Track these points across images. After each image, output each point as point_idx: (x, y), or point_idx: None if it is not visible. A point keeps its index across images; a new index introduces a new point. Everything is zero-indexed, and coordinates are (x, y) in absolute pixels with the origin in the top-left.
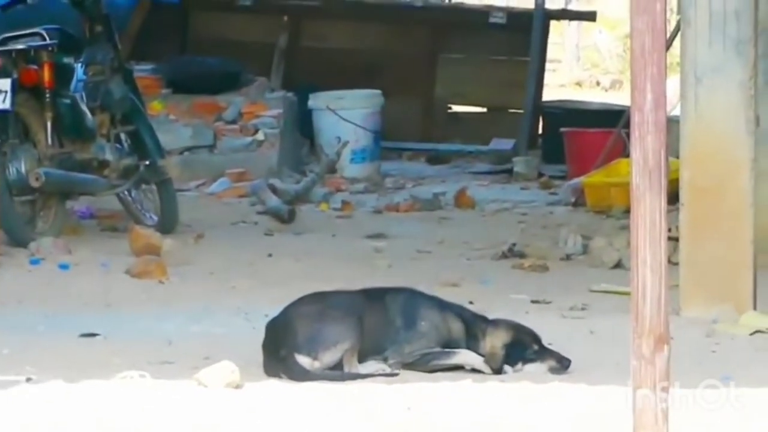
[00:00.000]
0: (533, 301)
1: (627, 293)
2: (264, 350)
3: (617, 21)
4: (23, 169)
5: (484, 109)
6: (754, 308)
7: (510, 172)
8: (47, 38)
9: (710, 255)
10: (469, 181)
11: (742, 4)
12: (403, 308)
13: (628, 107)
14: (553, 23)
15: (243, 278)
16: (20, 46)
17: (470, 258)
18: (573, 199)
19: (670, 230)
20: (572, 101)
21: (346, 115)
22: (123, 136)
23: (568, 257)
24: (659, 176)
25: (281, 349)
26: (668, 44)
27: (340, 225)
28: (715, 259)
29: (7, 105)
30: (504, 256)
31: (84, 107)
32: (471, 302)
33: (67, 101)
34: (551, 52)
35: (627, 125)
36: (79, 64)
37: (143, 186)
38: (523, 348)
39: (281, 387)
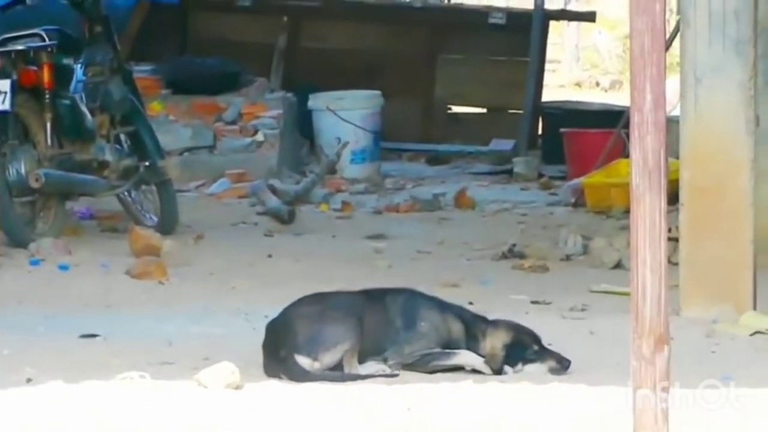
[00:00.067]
0: (533, 302)
1: (627, 293)
2: (264, 351)
3: (617, 21)
4: (23, 170)
5: (484, 110)
6: (754, 308)
7: (510, 172)
8: (47, 39)
9: (710, 255)
10: (469, 181)
11: (741, 4)
12: (403, 309)
13: (628, 108)
14: (552, 24)
15: (243, 279)
16: (20, 47)
17: (470, 258)
18: (573, 200)
19: (670, 230)
20: (572, 102)
21: (345, 116)
22: (123, 136)
23: (568, 258)
24: (659, 176)
25: (281, 350)
26: (668, 44)
27: (340, 226)
28: (715, 259)
29: (6, 106)
30: (504, 256)
31: (84, 108)
32: (471, 303)
33: (67, 102)
34: (551, 53)
35: (627, 126)
36: (79, 65)
37: (143, 187)
38: (523, 348)
39: (281, 388)
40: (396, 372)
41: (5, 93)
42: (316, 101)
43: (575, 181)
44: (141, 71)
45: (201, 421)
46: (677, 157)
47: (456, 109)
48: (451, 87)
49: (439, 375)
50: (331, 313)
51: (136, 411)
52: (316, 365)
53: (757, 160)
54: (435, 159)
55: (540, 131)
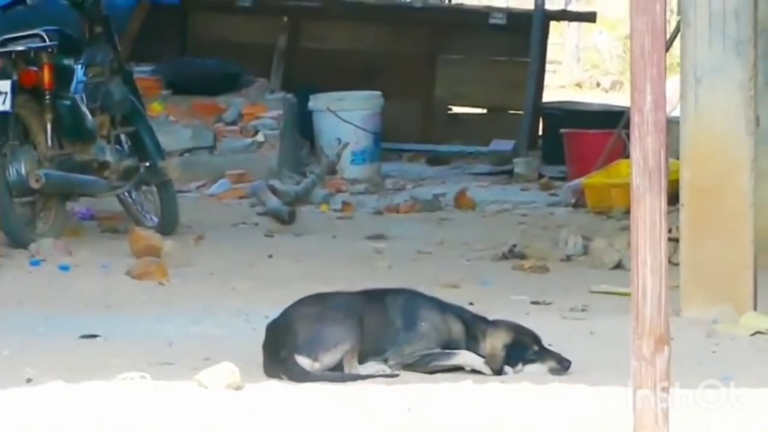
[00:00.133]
0: (533, 302)
1: (627, 294)
2: (264, 351)
3: (617, 22)
4: (23, 171)
5: (484, 110)
6: (755, 309)
7: (510, 173)
8: (47, 40)
9: (710, 255)
10: (469, 182)
11: (741, 5)
12: (404, 309)
13: (628, 108)
14: (553, 24)
15: (243, 279)
16: (20, 48)
17: (470, 259)
18: (573, 200)
19: (670, 231)
20: (572, 102)
21: (346, 117)
22: (123, 137)
23: (568, 258)
24: (659, 177)
25: (281, 351)
26: (668, 45)
27: (340, 226)
28: (715, 259)
29: (7, 106)
30: (504, 257)
31: (84, 108)
32: (471, 303)
33: (67, 103)
34: (551, 53)
35: (627, 126)
36: (79, 66)
37: (143, 187)
38: (523, 349)
39: (281, 388)
40: (396, 372)
41: (5, 93)
42: (317, 102)
43: (575, 181)
44: (141, 72)
45: (201, 421)
46: (677, 158)
47: (456, 109)
48: (451, 87)
49: (439, 375)
50: (332, 314)
51: (137, 411)
52: (317, 366)
53: (757, 161)
54: (435, 159)
55: (540, 132)
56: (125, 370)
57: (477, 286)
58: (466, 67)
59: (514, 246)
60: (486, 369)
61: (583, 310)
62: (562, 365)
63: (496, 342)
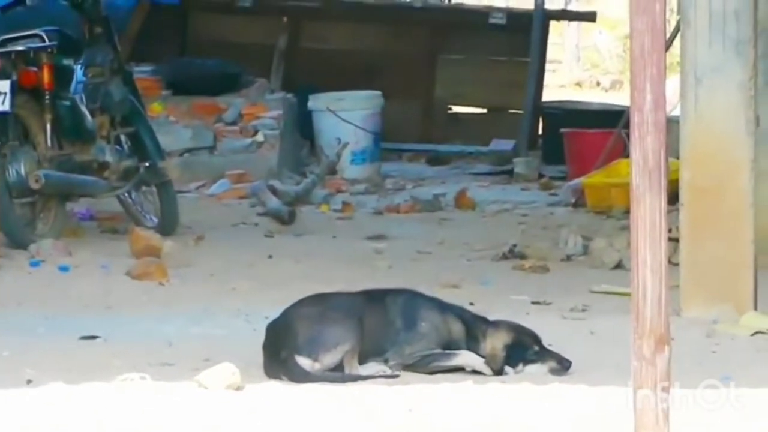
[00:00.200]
0: (534, 302)
1: (627, 294)
2: (264, 352)
3: (617, 21)
4: (23, 171)
5: (484, 110)
6: (755, 309)
7: (510, 173)
8: (47, 40)
9: (710, 255)
10: (469, 182)
11: (741, 5)
12: (404, 310)
13: (628, 108)
14: (552, 24)
15: (243, 280)
16: (20, 48)
17: (470, 259)
18: (573, 200)
19: (670, 231)
20: (572, 102)
21: (346, 117)
22: (123, 137)
23: (568, 258)
24: (659, 176)
25: (282, 351)
26: (668, 44)
27: (340, 226)
28: (715, 259)
29: (6, 107)
30: (504, 257)
31: (84, 109)
32: (471, 303)
33: (67, 103)
34: (551, 53)
35: (627, 126)
36: (79, 66)
37: (143, 188)
38: (523, 349)
39: (282, 388)
40: (396, 373)
41: (5, 94)
42: (317, 102)
43: (575, 181)
44: (141, 72)
45: (201, 422)
46: (677, 157)
47: (456, 109)
48: (451, 87)
49: (439, 376)
50: (332, 314)
51: (137, 412)
52: (317, 366)
53: (757, 161)
54: (435, 159)
55: (540, 131)
56: (125, 370)
57: (477, 286)
58: (466, 66)
59: (515, 246)
60: (486, 369)
61: (583, 310)
62: (562, 365)
63: (496, 342)
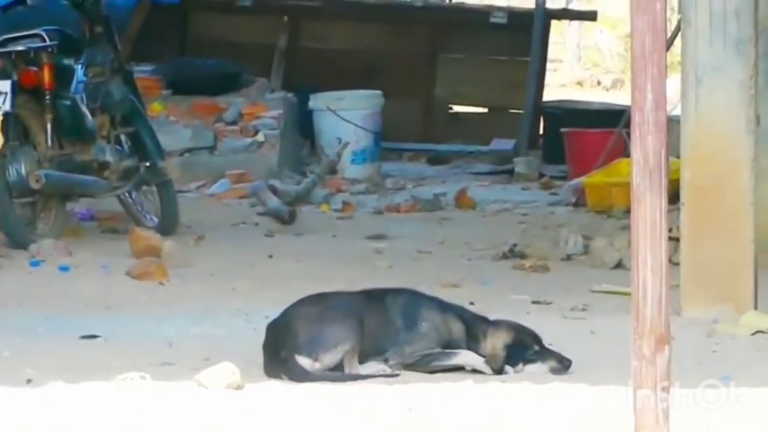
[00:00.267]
0: (534, 302)
1: (628, 293)
2: (264, 351)
3: (618, 20)
4: (23, 171)
5: (485, 110)
6: (755, 308)
7: (511, 172)
8: (47, 39)
9: (711, 255)
10: (469, 181)
11: (742, 4)
12: (404, 309)
13: (629, 107)
14: (553, 23)
15: (243, 279)
16: (20, 48)
17: (471, 258)
18: (574, 200)
19: (670, 230)
20: (573, 101)
21: (346, 116)
22: (123, 137)
23: (568, 257)
24: (660, 176)
25: (282, 351)
26: (669, 44)
27: (340, 226)
28: (715, 258)
29: (7, 107)
30: (505, 256)
31: (84, 109)
32: (472, 303)
33: (67, 103)
34: (552, 52)
35: (628, 125)
36: (79, 66)
37: (143, 187)
38: (523, 348)
39: (282, 388)
40: (397, 372)
41: (5, 94)
42: (317, 101)
43: (576, 180)
44: (141, 72)
45: (202, 421)
46: (678, 157)
47: (457, 108)
48: (451, 86)
49: (439, 375)
50: (332, 314)
51: (137, 412)
52: (317, 366)
53: (757, 160)
54: (435, 159)
55: (541, 131)
56: (125, 370)
57: (477, 285)
58: (467, 66)
59: (515, 245)
60: (486, 369)
61: (583, 310)
62: (562, 365)
63: (496, 342)
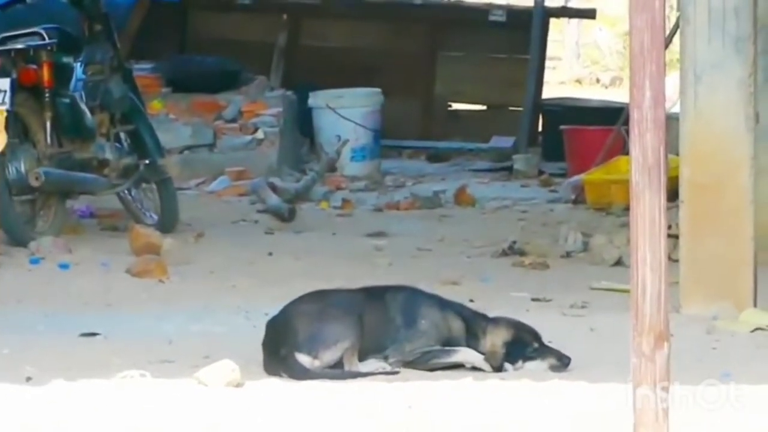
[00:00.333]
0: (533, 299)
1: (627, 291)
2: (264, 349)
3: (617, 18)
4: (23, 169)
5: (484, 107)
6: (755, 305)
7: (510, 169)
8: (46, 37)
9: (710, 252)
10: (469, 178)
11: (741, 1)
12: (404, 306)
13: (628, 105)
14: (552, 21)
15: (243, 277)
16: (19, 46)
17: (470, 256)
18: (573, 197)
19: (670, 227)
20: (572, 99)
21: (345, 114)
22: (123, 135)
23: (568, 255)
24: (659, 173)
25: (281, 348)
26: (668, 41)
27: (340, 223)
28: (715, 256)
29: (6, 105)
30: (504, 253)
31: (83, 106)
32: (471, 300)
33: (67, 101)
34: (551, 50)
35: (627, 123)
36: (79, 64)
37: (143, 185)
38: (523, 346)
39: (281, 386)
40: (396, 370)
41: (5, 92)
42: (316, 99)
43: (575, 178)
44: (141, 69)
45: (201, 419)
46: (677, 154)
47: (456, 106)
48: (451, 84)
49: (439, 372)
50: (332, 311)
51: (137, 409)
52: (317, 363)
53: (757, 157)
54: (435, 156)
55: (540, 128)
56: (125, 368)
57: (477, 282)
58: (466, 64)
59: (514, 243)
60: (486, 366)
61: (583, 307)
62: (562, 362)
63: (496, 339)
